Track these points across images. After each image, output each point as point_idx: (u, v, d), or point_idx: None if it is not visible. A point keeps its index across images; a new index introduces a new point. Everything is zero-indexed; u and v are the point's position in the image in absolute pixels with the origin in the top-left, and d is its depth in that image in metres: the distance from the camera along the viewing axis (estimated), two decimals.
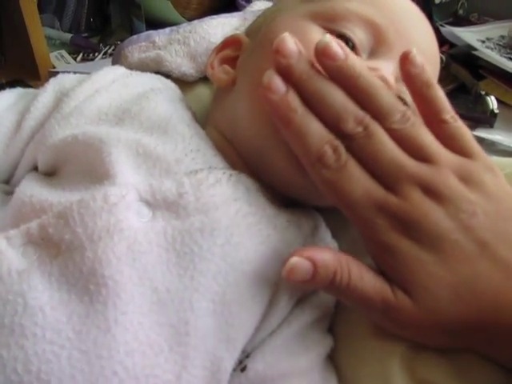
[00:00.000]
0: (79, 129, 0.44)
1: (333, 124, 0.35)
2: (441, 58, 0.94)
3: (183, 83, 0.58)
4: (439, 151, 0.35)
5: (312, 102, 0.36)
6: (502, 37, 1.03)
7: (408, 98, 0.39)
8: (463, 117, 0.89)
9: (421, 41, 0.44)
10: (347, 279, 0.34)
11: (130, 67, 0.59)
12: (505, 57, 0.94)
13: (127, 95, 0.48)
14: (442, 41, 1.02)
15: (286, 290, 0.40)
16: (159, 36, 0.60)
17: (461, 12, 1.15)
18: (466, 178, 0.35)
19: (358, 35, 0.43)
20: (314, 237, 0.45)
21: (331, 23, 0.43)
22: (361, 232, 0.36)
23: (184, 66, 0.57)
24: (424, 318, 0.34)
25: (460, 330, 0.34)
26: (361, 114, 0.35)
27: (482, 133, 0.84)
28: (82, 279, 0.34)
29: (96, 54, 1.03)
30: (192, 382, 0.35)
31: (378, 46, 0.43)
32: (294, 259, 0.35)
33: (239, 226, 0.39)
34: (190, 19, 0.93)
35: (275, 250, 0.40)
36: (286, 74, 0.36)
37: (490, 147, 0.81)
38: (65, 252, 0.35)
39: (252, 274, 0.39)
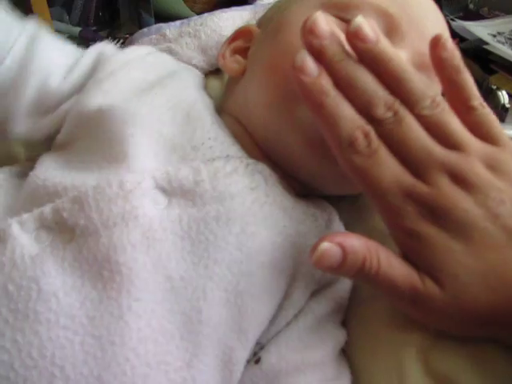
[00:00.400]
0: (108, 99, 0.43)
1: (363, 108, 0.35)
2: None
3: None
4: (468, 139, 0.35)
5: (342, 86, 0.35)
6: None
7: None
8: None
9: (434, 31, 0.44)
10: (376, 267, 0.34)
11: None
12: None
13: (161, 69, 0.48)
14: (453, 35, 1.01)
15: (302, 281, 0.40)
16: (170, 29, 0.60)
17: (471, 6, 1.14)
18: (493, 166, 0.35)
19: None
20: (328, 229, 0.45)
21: (343, 12, 0.43)
22: (388, 220, 0.36)
23: (195, 58, 0.58)
24: (451, 306, 0.34)
25: (487, 317, 0.34)
26: (391, 99, 0.35)
27: None
28: (95, 265, 0.34)
29: None
30: (203, 370, 0.36)
31: (390, 35, 0.42)
32: (325, 245, 0.34)
33: (255, 216, 0.39)
34: (199, 13, 0.93)
35: (291, 241, 0.40)
36: (318, 56, 0.36)
37: None
38: (79, 237, 0.35)
39: (267, 265, 0.38)
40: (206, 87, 0.52)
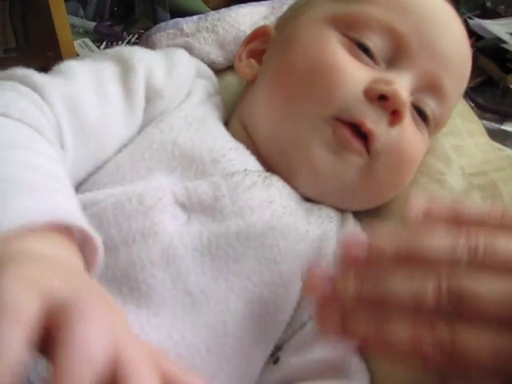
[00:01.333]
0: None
1: (417, 308, 0.29)
2: None
3: (212, 71, 0.58)
4: None
5: (387, 303, 0.30)
6: None
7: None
8: (491, 110, 0.89)
9: (448, 48, 0.44)
10: None
11: None
12: None
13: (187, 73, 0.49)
14: (470, 33, 1.00)
15: None
16: (187, 23, 0.60)
17: (488, 4, 1.13)
18: None
19: (378, 44, 0.42)
20: (343, 227, 0.45)
21: (351, 30, 0.43)
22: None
23: (212, 53, 0.57)
24: None
25: None
26: (435, 282, 0.29)
27: (510, 127, 0.82)
28: (115, 281, 0.34)
29: (119, 43, 1.03)
30: (224, 381, 0.36)
31: (398, 54, 0.42)
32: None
33: (274, 229, 0.39)
34: (214, 9, 0.93)
35: (314, 244, 0.41)
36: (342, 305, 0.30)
37: None
38: None
39: (287, 274, 0.39)
40: (218, 92, 0.52)
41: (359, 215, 0.48)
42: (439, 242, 0.29)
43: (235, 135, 0.45)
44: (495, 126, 0.82)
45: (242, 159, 0.42)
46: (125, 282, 0.34)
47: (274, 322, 0.38)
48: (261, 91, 0.46)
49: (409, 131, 0.43)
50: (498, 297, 0.28)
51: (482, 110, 0.85)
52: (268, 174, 0.42)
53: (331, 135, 0.41)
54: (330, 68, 0.41)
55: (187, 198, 0.38)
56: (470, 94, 0.86)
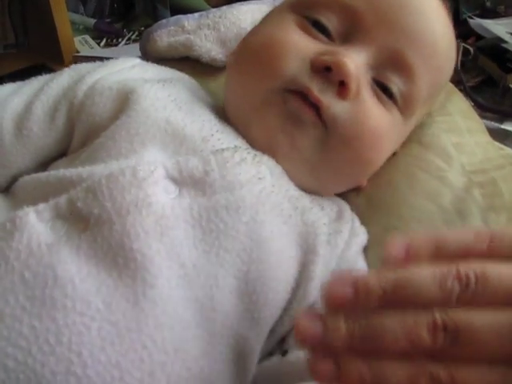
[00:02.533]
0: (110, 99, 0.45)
1: (413, 347, 0.27)
2: (468, 50, 0.93)
3: (212, 68, 0.58)
4: None
5: (380, 350, 0.28)
6: None
7: None
8: (491, 110, 0.88)
9: (410, 22, 0.43)
10: None
11: (159, 51, 0.59)
12: None
13: (149, 77, 0.49)
14: (470, 33, 1.00)
15: (314, 271, 0.41)
16: (188, 20, 0.60)
17: (488, 4, 1.13)
18: None
19: (333, 21, 0.43)
20: (339, 220, 0.45)
21: (308, 10, 0.43)
22: None
23: (214, 50, 0.57)
24: None
25: None
26: (429, 318, 0.27)
27: (510, 126, 0.82)
28: (110, 253, 0.35)
29: (119, 40, 1.03)
30: (218, 359, 0.36)
31: (353, 30, 0.42)
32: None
33: (264, 205, 0.39)
34: (214, 7, 0.93)
35: (296, 230, 0.41)
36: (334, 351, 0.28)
37: None
38: (93, 226, 0.35)
39: (276, 252, 0.39)
40: (201, 88, 0.52)
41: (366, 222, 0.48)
42: (427, 276, 0.27)
43: (227, 121, 0.46)
44: (495, 125, 0.82)
45: (229, 139, 0.43)
46: (120, 252, 0.34)
47: (263, 302, 0.38)
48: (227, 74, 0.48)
49: (368, 105, 0.42)
50: (495, 330, 0.26)
51: (481, 110, 0.85)
52: (258, 152, 0.42)
53: (283, 106, 0.41)
54: (278, 43, 0.42)
55: (178, 172, 0.38)
56: (470, 93, 0.86)
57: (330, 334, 0.28)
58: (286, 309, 0.40)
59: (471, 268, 0.27)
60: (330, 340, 0.28)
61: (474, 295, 0.27)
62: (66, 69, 0.50)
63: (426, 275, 0.28)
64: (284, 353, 0.39)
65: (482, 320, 0.27)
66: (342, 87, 0.40)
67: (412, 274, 0.28)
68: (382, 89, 0.43)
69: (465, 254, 0.29)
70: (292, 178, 0.44)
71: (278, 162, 0.43)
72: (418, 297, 0.27)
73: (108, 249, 0.35)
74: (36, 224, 0.35)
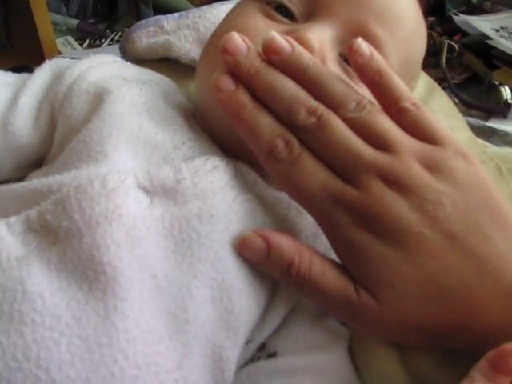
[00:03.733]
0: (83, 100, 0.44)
1: (285, 117, 0.34)
2: (453, 47, 0.93)
3: (192, 69, 0.57)
4: (400, 138, 0.33)
5: (263, 97, 0.35)
6: None
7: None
8: (476, 107, 0.88)
9: (374, 1, 0.42)
10: (306, 272, 0.33)
11: (138, 53, 0.58)
12: None
13: (129, 75, 0.47)
14: (455, 30, 1.00)
15: None
16: (168, 21, 0.59)
17: (474, 0, 1.13)
18: (431, 166, 0.33)
19: (295, 3, 0.42)
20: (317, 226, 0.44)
21: None
22: (322, 227, 0.35)
23: (193, 51, 0.56)
24: (390, 318, 0.32)
25: (430, 330, 0.32)
26: (313, 104, 0.34)
27: (495, 123, 0.82)
28: (80, 266, 0.34)
29: (103, 41, 1.02)
30: (193, 370, 0.35)
31: (314, 9, 0.41)
32: (247, 232, 0.34)
33: (237, 213, 0.38)
34: (197, 6, 0.92)
35: None
36: (235, 72, 0.36)
37: (504, 138, 0.80)
38: (63, 239, 0.34)
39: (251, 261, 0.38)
40: (179, 92, 0.50)
41: None
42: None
43: (202, 129, 0.44)
44: (480, 122, 0.82)
45: (201, 148, 0.42)
46: (90, 265, 0.33)
47: (239, 310, 0.37)
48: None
49: None
50: (347, 146, 0.33)
51: (467, 107, 0.85)
52: (231, 159, 0.41)
53: None
54: (237, 28, 0.40)
55: (149, 181, 0.37)
56: (455, 90, 0.86)
57: (243, 60, 0.35)
58: (264, 316, 0.39)
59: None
60: (242, 63, 0.35)
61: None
62: (48, 62, 0.49)
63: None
64: (272, 355, 0.39)
65: (343, 129, 0.33)
66: None
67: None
68: None
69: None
70: (270, 181, 0.43)
71: (252, 167, 0.42)
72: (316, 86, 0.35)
73: (78, 262, 0.34)
74: (6, 237, 0.34)
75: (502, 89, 0.86)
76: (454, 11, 1.05)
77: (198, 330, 0.35)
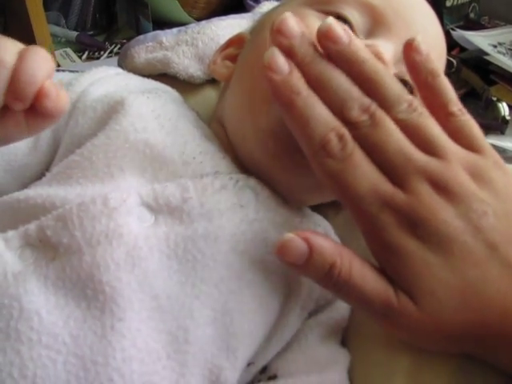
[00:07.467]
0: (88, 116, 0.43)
1: (337, 111, 0.33)
2: (451, 62, 0.93)
3: (190, 85, 0.57)
4: (448, 145, 0.33)
5: (315, 87, 0.33)
6: None
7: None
8: None
9: (422, 22, 0.43)
10: (347, 275, 0.32)
11: (137, 68, 0.58)
12: None
13: (134, 86, 0.47)
14: (453, 44, 1.01)
15: (297, 301, 0.40)
16: (166, 36, 0.59)
17: (472, 15, 1.14)
18: (476, 175, 0.33)
19: (355, 16, 0.42)
20: None
21: (327, 6, 0.42)
22: (363, 229, 0.34)
23: (191, 67, 0.56)
24: (427, 324, 0.32)
25: (461, 335, 0.32)
26: (367, 101, 0.33)
27: (493, 139, 0.82)
28: (79, 284, 0.34)
29: (102, 53, 1.02)
30: None
31: (375, 27, 0.41)
32: (289, 235, 0.32)
33: (245, 234, 0.38)
34: (197, 19, 0.92)
35: None
36: (288, 56, 0.34)
37: (501, 154, 0.79)
38: (62, 255, 0.34)
39: (257, 284, 0.38)
40: (184, 101, 0.50)
41: None
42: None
43: (216, 136, 0.44)
44: None
45: (213, 162, 0.41)
46: (89, 284, 0.33)
47: (240, 333, 0.36)
48: (231, 86, 0.45)
49: None
50: (399, 148, 0.32)
51: None
52: (243, 176, 0.40)
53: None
54: None
55: (154, 200, 0.37)
56: None
57: (298, 45, 0.33)
58: (269, 339, 0.39)
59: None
60: (297, 48, 0.33)
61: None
62: None
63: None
64: (272, 377, 0.38)
65: (394, 129, 0.33)
66: None
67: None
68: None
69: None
70: (287, 196, 0.42)
71: (270, 183, 0.41)
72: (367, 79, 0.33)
73: (77, 279, 0.34)
74: (4, 253, 0.34)
75: (500, 105, 0.86)
76: (452, 26, 1.05)
77: (197, 351, 0.35)
